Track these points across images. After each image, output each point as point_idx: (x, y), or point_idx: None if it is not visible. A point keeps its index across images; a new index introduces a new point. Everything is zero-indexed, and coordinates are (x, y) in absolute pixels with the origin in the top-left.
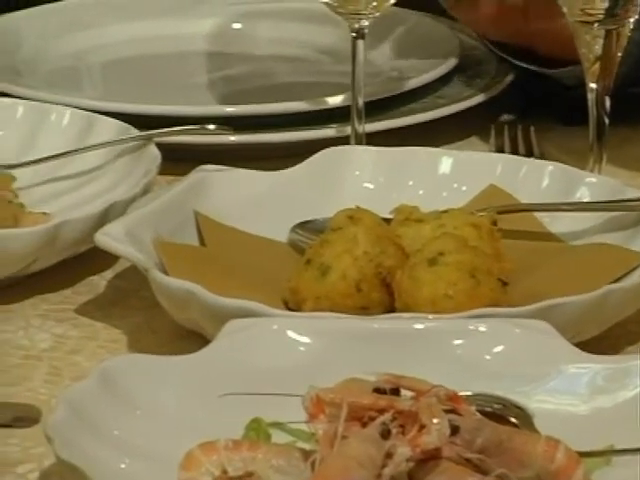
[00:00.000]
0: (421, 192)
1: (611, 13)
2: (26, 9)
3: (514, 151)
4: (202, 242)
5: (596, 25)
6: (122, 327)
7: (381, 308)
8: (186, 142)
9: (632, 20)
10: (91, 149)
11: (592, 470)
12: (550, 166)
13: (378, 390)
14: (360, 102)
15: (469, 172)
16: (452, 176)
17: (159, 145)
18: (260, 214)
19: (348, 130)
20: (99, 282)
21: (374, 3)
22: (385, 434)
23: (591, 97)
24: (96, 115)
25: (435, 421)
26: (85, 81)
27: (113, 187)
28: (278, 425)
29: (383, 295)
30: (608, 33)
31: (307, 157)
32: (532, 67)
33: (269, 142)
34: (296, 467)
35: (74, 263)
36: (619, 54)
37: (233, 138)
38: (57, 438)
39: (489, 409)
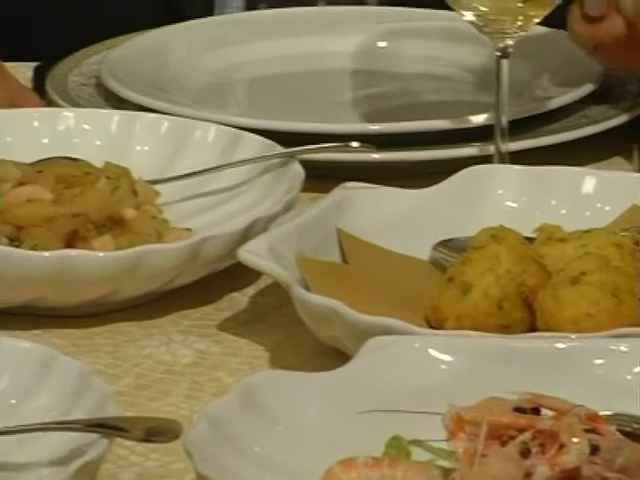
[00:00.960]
0: (564, 211)
1: None
2: (174, 24)
3: None
4: (344, 259)
5: None
6: (264, 343)
7: (522, 327)
8: (329, 159)
9: None
10: (235, 165)
11: None
12: None
13: (518, 409)
14: (504, 121)
15: (612, 192)
16: (595, 196)
17: (303, 162)
18: (402, 232)
19: (491, 149)
20: (241, 298)
21: (519, 22)
22: (525, 453)
23: None
24: (241, 132)
25: (575, 440)
26: (230, 98)
27: (256, 204)
28: (418, 443)
29: (525, 314)
30: None
31: (449, 175)
32: None
33: (412, 160)
34: None
35: (216, 279)
36: None
37: (376, 156)
38: (197, 453)
39: (629, 429)
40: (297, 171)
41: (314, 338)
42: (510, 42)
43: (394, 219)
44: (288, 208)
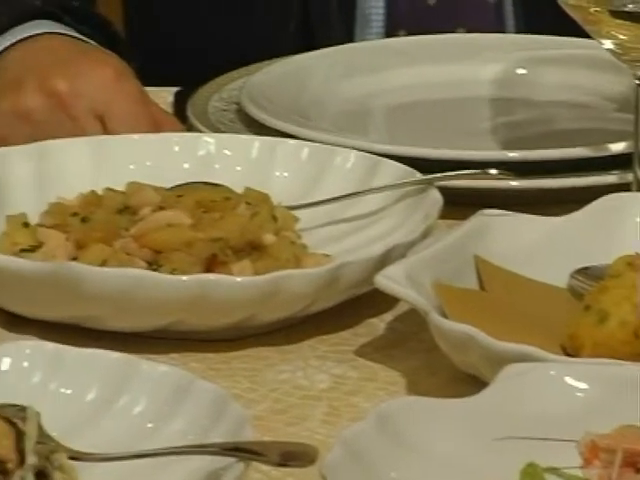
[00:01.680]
0: None
1: None
2: (314, 50)
3: None
4: (481, 286)
5: None
6: (401, 369)
7: None
8: (467, 186)
9: None
10: (374, 192)
11: None
12: None
13: None
14: None
15: None
16: None
17: (441, 189)
18: (539, 259)
19: (629, 177)
20: (378, 324)
21: None
22: None
23: None
24: (380, 158)
25: None
26: (370, 124)
27: (394, 230)
28: (553, 470)
29: None
30: None
31: (587, 203)
32: None
33: (550, 187)
34: None
35: (353, 305)
36: None
37: (514, 183)
38: (333, 478)
39: None
40: (435, 198)
41: (450, 364)
42: None
43: (532, 246)
44: (426, 235)
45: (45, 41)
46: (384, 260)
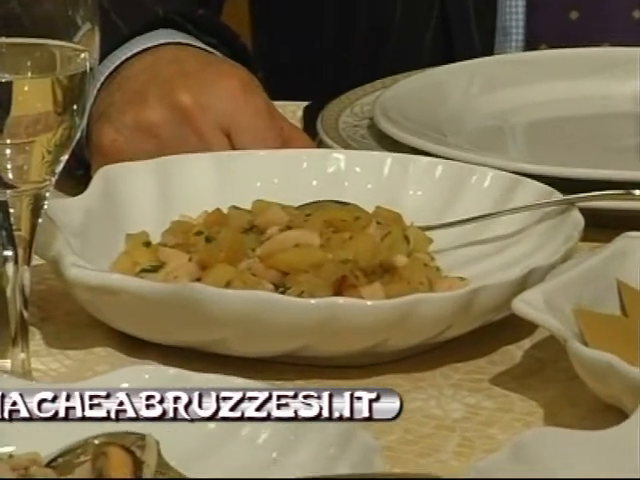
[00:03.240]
0: None
1: None
2: (451, 63)
3: None
4: (624, 312)
5: None
6: (538, 399)
7: None
8: (611, 207)
9: None
10: (512, 212)
11: None
12: None
13: None
14: None
15: None
16: None
17: (582, 210)
18: None
19: None
20: (515, 352)
21: None
22: None
23: None
24: (519, 177)
25: None
26: (509, 141)
27: (533, 252)
28: None
29: None
30: None
31: None
32: None
33: None
34: None
35: (489, 331)
36: None
37: None
38: None
39: None
40: (576, 219)
41: (591, 394)
42: None
43: None
44: (566, 258)
45: (169, 51)
46: (522, 284)
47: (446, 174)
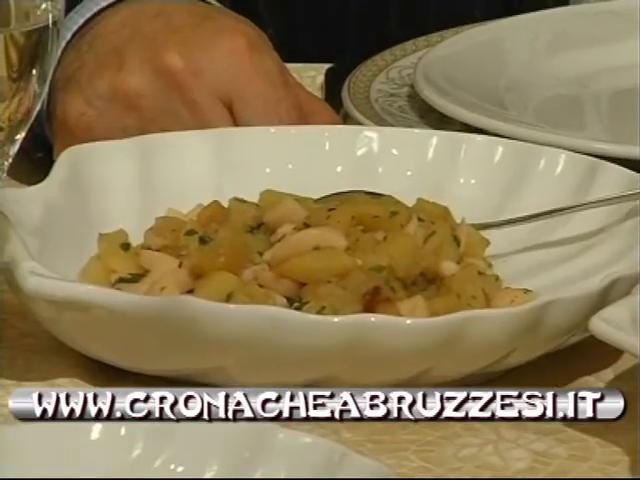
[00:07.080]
0: None
1: None
2: (512, 16)
3: None
4: None
5: None
6: (622, 444)
7: None
8: None
9: None
10: (590, 206)
11: None
12: None
13: None
14: None
15: None
16: None
17: None
18: None
19: None
20: (595, 384)
21: None
22: None
23: None
24: (599, 161)
25: None
26: (587, 116)
27: (616, 258)
28: None
29: None
30: None
31: None
32: None
33: None
34: None
35: (562, 357)
36: None
37: None
38: None
39: None
40: None
41: None
42: None
43: None
44: None
45: (155, 1)
46: (603, 298)
47: (507, 157)
